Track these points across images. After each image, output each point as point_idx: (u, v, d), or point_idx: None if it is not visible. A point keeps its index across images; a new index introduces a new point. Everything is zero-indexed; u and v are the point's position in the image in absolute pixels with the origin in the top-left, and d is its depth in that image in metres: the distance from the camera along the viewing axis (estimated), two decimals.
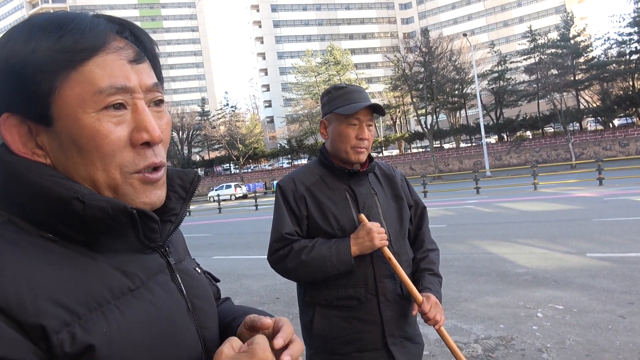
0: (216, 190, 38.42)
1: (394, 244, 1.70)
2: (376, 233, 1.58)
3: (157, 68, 0.72)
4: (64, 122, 0.62)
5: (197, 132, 52.06)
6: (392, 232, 1.71)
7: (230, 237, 13.26)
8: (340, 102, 1.68)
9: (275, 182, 29.39)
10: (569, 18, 37.61)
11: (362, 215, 1.64)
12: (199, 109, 56.75)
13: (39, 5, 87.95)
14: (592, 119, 38.79)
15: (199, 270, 0.84)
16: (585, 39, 37.58)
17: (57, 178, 0.61)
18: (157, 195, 0.68)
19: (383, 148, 47.33)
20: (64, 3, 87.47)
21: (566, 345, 3.75)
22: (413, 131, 47.99)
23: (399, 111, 49.45)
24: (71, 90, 0.61)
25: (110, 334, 0.59)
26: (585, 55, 36.66)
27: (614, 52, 35.89)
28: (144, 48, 0.69)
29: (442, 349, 3.83)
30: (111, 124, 0.62)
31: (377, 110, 1.70)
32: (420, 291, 1.66)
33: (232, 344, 0.64)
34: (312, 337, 1.71)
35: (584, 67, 35.83)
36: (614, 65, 34.68)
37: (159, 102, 0.70)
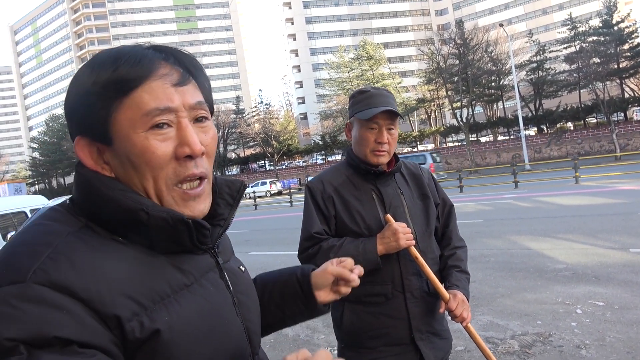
0: (252, 187, 38.94)
1: (420, 242, 1.73)
2: (402, 234, 1.62)
3: (204, 87, 0.81)
4: (120, 142, 0.72)
5: (233, 130, 52.89)
6: (418, 230, 1.75)
7: (266, 233, 13.49)
8: (361, 107, 1.72)
9: (308, 178, 29.46)
10: (611, 4, 36.08)
11: (389, 216, 1.68)
12: (234, 107, 57.62)
13: (81, 11, 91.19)
14: (638, 108, 37.14)
15: (243, 269, 0.94)
16: (630, 25, 35.97)
17: (126, 192, 0.72)
18: (199, 209, 0.77)
19: (418, 142, 46.80)
20: (103, 7, 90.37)
21: (606, 342, 3.68)
22: (448, 125, 47.20)
23: (434, 105, 48.77)
24: (124, 114, 0.71)
25: (171, 323, 0.69)
26: (630, 41, 35.11)
27: None
28: (189, 71, 0.78)
29: None
30: (157, 141, 0.72)
31: (393, 114, 1.72)
32: (447, 288, 1.69)
33: (297, 355, 0.67)
34: (342, 331, 1.78)
35: (628, 54, 34.34)
36: None
37: (203, 119, 0.79)
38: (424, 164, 25.73)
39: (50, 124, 65.32)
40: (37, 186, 71.47)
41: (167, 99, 0.73)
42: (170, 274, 0.74)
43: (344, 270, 1.06)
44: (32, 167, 69.18)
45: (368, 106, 1.71)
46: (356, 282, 1.07)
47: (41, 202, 9.84)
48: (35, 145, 69.08)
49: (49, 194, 52.80)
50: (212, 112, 0.84)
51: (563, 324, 4.13)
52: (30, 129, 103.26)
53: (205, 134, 0.78)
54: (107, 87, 0.71)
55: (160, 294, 0.70)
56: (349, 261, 1.09)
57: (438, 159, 27.26)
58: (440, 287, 1.67)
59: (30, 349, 0.57)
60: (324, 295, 1.07)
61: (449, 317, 1.72)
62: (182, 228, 0.73)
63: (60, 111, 69.70)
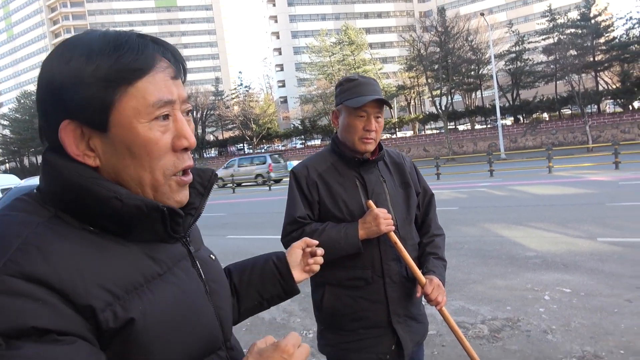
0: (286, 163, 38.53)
1: (401, 229, 1.79)
2: (382, 219, 1.67)
3: (184, 82, 0.84)
4: (119, 130, 0.72)
5: (211, 112, 52.19)
6: (398, 217, 1.80)
7: (244, 217, 13.48)
8: (350, 95, 1.75)
9: (289, 163, 29.43)
10: None
11: (370, 202, 1.74)
12: (213, 89, 56.79)
13: (58, 10, 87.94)
14: (611, 101, 38.05)
15: (213, 257, 0.97)
16: (607, 19, 36.59)
17: (97, 180, 0.72)
18: (185, 195, 0.81)
19: (397, 129, 47.07)
20: None
21: (571, 327, 3.84)
22: (427, 112, 47.54)
23: (414, 92, 48.93)
24: (128, 102, 0.72)
25: (145, 311, 0.70)
26: (606, 35, 35.73)
27: (636, 32, 34.93)
28: (181, 66, 0.81)
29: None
30: (159, 132, 0.74)
31: (383, 103, 1.77)
32: (424, 274, 1.76)
33: (266, 340, 0.79)
34: (322, 313, 1.83)
35: (604, 47, 34.97)
36: (635, 45, 33.77)
37: (189, 112, 0.82)
38: (263, 163, 28.14)
39: (22, 101, 63.24)
40: (7, 165, 69.55)
41: (168, 91, 0.75)
42: (143, 263, 0.75)
43: (306, 238, 1.24)
44: (3, 145, 67.10)
45: (357, 94, 1.74)
46: (320, 250, 1.22)
47: (13, 182, 9.60)
48: (5, 122, 66.91)
49: (21, 173, 51.45)
50: None
51: (531, 310, 4.29)
52: (0, 105, 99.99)
53: (190, 126, 0.81)
54: (110, 76, 0.71)
55: (133, 284, 0.71)
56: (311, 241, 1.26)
57: (281, 160, 29.81)
58: (418, 272, 1.73)
59: (8, 340, 0.57)
60: (297, 275, 1.18)
61: (425, 302, 1.78)
62: (157, 216, 0.74)
63: (33, 87, 67.55)
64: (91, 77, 0.71)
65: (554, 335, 3.72)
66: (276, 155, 30.81)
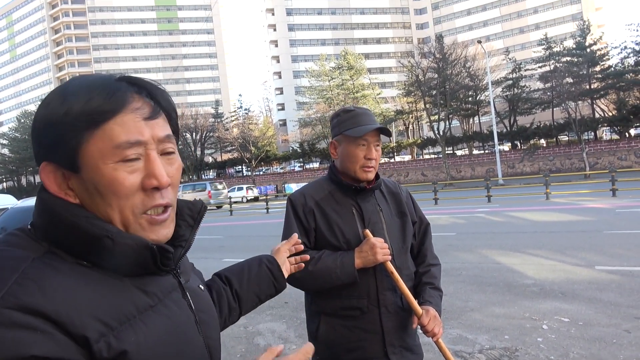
0: (228, 192, 38.69)
1: (397, 258, 1.78)
2: (379, 248, 1.67)
3: (172, 119, 0.85)
4: (88, 171, 0.74)
5: (210, 134, 52.53)
6: (395, 247, 1.80)
7: (241, 240, 13.41)
8: (349, 125, 1.77)
9: (287, 185, 29.61)
10: (585, 26, 37.34)
11: (367, 231, 1.73)
12: (213, 111, 57.24)
13: (59, 6, 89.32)
14: (608, 128, 38.42)
15: (202, 287, 0.98)
16: (602, 48, 37.25)
17: (90, 219, 0.74)
18: (163, 234, 0.80)
19: (395, 154, 47.30)
20: (82, 4, 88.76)
21: (570, 357, 3.79)
22: (425, 137, 47.90)
23: (412, 117, 49.40)
24: (94, 145, 0.73)
25: (138, 342, 0.71)
26: (602, 63, 36.35)
27: (631, 61, 35.56)
28: (159, 105, 0.81)
29: None
30: (126, 173, 0.74)
31: (384, 132, 1.79)
32: (420, 304, 1.74)
33: (268, 355, 0.82)
34: (317, 343, 1.81)
35: (599, 75, 35.53)
36: (630, 74, 34.34)
37: (171, 152, 0.82)
38: (203, 190, 30.96)
39: (22, 120, 63.59)
40: (5, 184, 69.49)
41: (137, 132, 0.75)
42: (136, 296, 0.76)
43: (290, 240, 1.44)
44: (1, 164, 67.17)
45: (357, 124, 1.76)
46: (300, 245, 1.43)
47: (10, 202, 9.57)
48: (5, 142, 67.12)
49: (18, 192, 51.37)
50: (177, 139, 0.87)
51: (529, 339, 4.24)
52: (1, 124, 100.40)
53: (171, 165, 0.81)
54: (78, 118, 0.72)
55: (126, 315, 0.72)
56: (294, 235, 1.46)
57: (220, 188, 33.21)
58: (414, 302, 1.72)
59: None
60: (284, 273, 1.35)
61: (421, 332, 1.77)
62: (147, 253, 0.76)
63: (33, 107, 67.90)
64: (61, 119, 0.73)
65: None
66: (216, 183, 34.65)
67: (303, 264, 1.44)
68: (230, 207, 25.76)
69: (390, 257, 1.72)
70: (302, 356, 0.83)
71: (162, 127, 0.80)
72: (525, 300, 5.35)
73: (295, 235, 1.44)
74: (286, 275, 1.36)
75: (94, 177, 0.74)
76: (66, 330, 0.65)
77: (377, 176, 1.86)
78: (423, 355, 1.91)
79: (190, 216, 0.91)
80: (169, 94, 0.85)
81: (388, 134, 1.81)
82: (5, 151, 66.44)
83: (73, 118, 0.72)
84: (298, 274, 1.73)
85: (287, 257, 1.42)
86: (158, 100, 0.81)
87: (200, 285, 0.97)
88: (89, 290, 0.70)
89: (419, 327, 1.74)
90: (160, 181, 0.76)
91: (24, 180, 66.77)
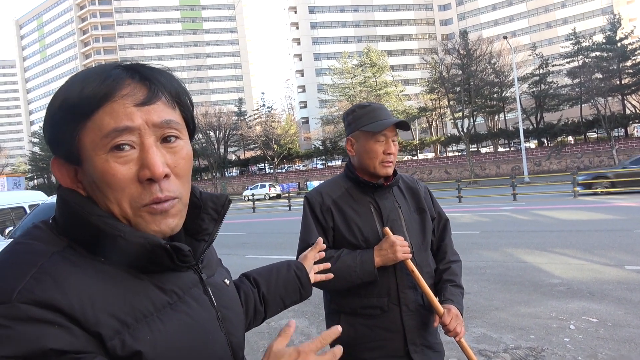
0: (251, 189, 38.98)
1: (417, 256, 1.76)
2: (399, 246, 1.65)
3: (183, 105, 0.80)
4: (85, 163, 0.73)
5: (234, 132, 52.94)
6: (414, 244, 1.77)
7: (264, 237, 13.50)
8: (367, 120, 1.75)
9: (309, 183, 29.57)
10: (616, 20, 36.30)
11: (387, 229, 1.71)
12: (236, 109, 57.69)
13: (87, 8, 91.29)
14: (639, 124, 37.27)
15: (228, 282, 0.95)
16: (634, 42, 36.13)
17: (103, 217, 0.73)
18: (167, 225, 0.76)
19: (418, 151, 46.88)
20: (109, 5, 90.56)
21: (598, 359, 3.70)
22: (449, 134, 47.30)
23: (435, 114, 48.89)
24: (87, 136, 0.72)
25: (154, 340, 0.70)
26: (633, 58, 35.25)
27: None
28: (159, 88, 0.76)
29: None
30: (118, 164, 0.71)
31: (402, 126, 1.76)
32: (441, 302, 1.72)
33: (281, 340, 0.80)
34: (337, 343, 1.80)
35: (630, 71, 34.46)
36: None
37: (172, 138, 0.77)
38: None
39: None
40: (35, 181, 71.45)
41: (127, 118, 0.71)
42: (153, 293, 0.75)
43: (316, 246, 1.43)
44: (32, 161, 69.19)
45: (375, 119, 1.74)
46: (322, 253, 1.45)
47: (40, 198, 9.85)
48: (35, 140, 69.11)
49: (48, 189, 52.79)
50: (192, 129, 0.82)
51: (556, 339, 4.15)
52: (32, 123, 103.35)
53: (174, 154, 0.76)
54: (71, 110, 0.71)
55: (143, 312, 0.71)
56: (319, 240, 1.45)
57: None
58: (435, 301, 1.69)
59: None
60: (313, 278, 1.36)
61: (443, 331, 1.74)
62: (161, 252, 0.74)
63: None
64: (58, 112, 0.73)
65: None
66: None
67: (332, 275, 1.44)
68: (253, 204, 25.97)
69: (410, 255, 1.69)
70: (320, 343, 0.81)
71: (160, 112, 0.75)
72: (552, 300, 5.24)
73: (321, 240, 1.43)
74: (315, 280, 1.37)
75: (89, 170, 0.73)
76: (82, 326, 0.64)
77: (394, 172, 1.84)
78: (444, 352, 1.89)
79: (214, 209, 0.89)
80: (174, 77, 0.80)
81: (407, 127, 1.77)
82: (37, 149, 68.38)
83: (67, 110, 0.72)
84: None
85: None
86: (156, 84, 0.76)
87: (226, 280, 0.95)
88: (105, 287, 0.70)
89: (440, 325, 1.72)
90: (154, 172, 0.72)
91: (53, 178, 68.61)
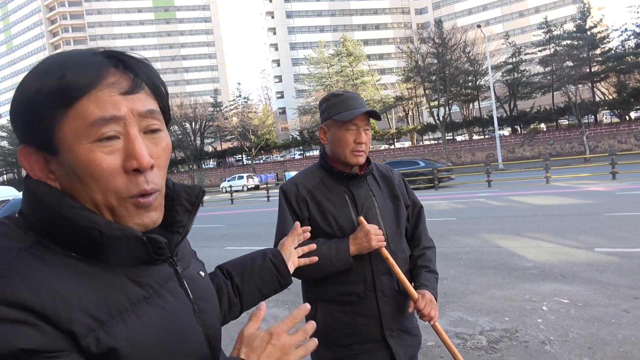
0: (228, 181, 38.74)
1: (391, 243, 1.79)
2: (373, 235, 1.68)
3: (161, 96, 0.79)
4: (65, 153, 0.70)
5: (210, 123, 52.34)
6: (389, 231, 1.80)
7: (242, 228, 13.46)
8: (339, 109, 1.76)
9: (287, 173, 29.49)
10: (585, 9, 36.96)
11: (361, 218, 1.74)
12: (212, 100, 57.00)
13: (56, 9, 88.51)
14: (608, 111, 38.29)
15: (203, 274, 0.95)
16: (602, 30, 36.94)
17: (76, 209, 0.70)
18: (150, 218, 0.75)
19: (395, 140, 47.21)
20: (80, 6, 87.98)
21: (569, 338, 3.84)
22: (425, 123, 47.77)
23: (412, 103, 49.19)
24: (68, 124, 0.68)
25: (130, 336, 0.69)
26: (602, 46, 36.06)
27: (631, 43, 35.25)
28: (141, 78, 0.75)
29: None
30: (103, 154, 0.69)
31: (373, 116, 1.78)
32: (416, 288, 1.76)
33: (252, 325, 0.81)
34: (315, 329, 1.83)
35: (600, 59, 35.27)
36: (631, 57, 34.06)
37: (155, 130, 0.76)
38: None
39: None
40: (5, 176, 69.47)
41: (113, 107, 0.70)
42: (128, 288, 0.73)
43: (293, 231, 1.39)
44: (1, 156, 67.14)
45: (346, 108, 1.75)
46: (307, 234, 1.42)
47: (10, 194, 9.62)
48: (4, 134, 66.99)
49: (18, 184, 51.38)
50: (168, 120, 0.82)
51: (529, 321, 4.28)
52: (0, 116, 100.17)
53: (156, 145, 0.76)
54: (51, 97, 0.68)
55: (118, 308, 0.70)
56: (296, 224, 1.41)
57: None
58: (410, 287, 1.73)
59: None
60: (290, 268, 1.30)
61: (418, 316, 1.79)
62: (137, 245, 0.72)
63: None
64: (33, 99, 0.69)
65: (552, 346, 3.72)
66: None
67: (316, 258, 1.42)
68: (231, 195, 25.81)
69: (384, 243, 1.72)
70: (290, 322, 0.81)
71: (143, 101, 0.73)
72: (526, 283, 5.40)
73: (298, 225, 1.40)
74: (292, 270, 1.31)
75: (70, 160, 0.69)
76: (53, 324, 0.62)
77: (368, 161, 1.86)
78: (421, 336, 1.93)
79: (187, 201, 0.87)
80: (153, 68, 0.79)
81: (377, 117, 1.78)
82: (5, 143, 66.33)
83: (45, 97, 0.68)
84: None
85: (295, 248, 1.38)
86: (139, 74, 0.74)
87: (201, 272, 0.94)
88: (77, 283, 0.67)
89: (415, 310, 1.76)
90: (141, 162, 0.71)
91: (24, 172, 66.72)
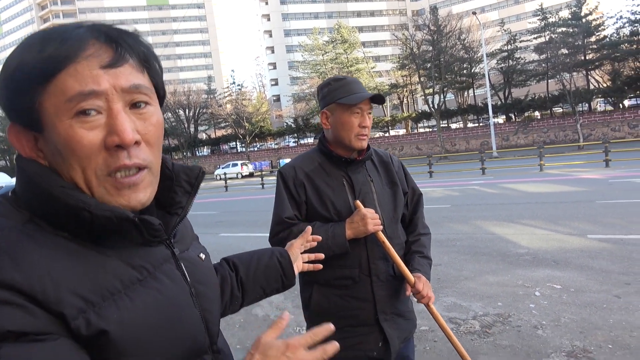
0: (223, 168, 38.63)
1: (388, 228, 1.80)
2: (370, 219, 1.68)
3: (151, 68, 0.76)
4: (48, 130, 0.68)
5: (204, 111, 52.04)
6: (385, 217, 1.81)
7: (237, 215, 13.46)
8: (343, 93, 1.75)
9: (281, 161, 29.43)
10: None
11: (358, 202, 1.74)
12: (205, 87, 56.61)
13: (48, 8, 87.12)
14: (602, 99, 38.37)
15: (203, 257, 0.92)
16: (598, 18, 36.90)
17: (66, 189, 0.68)
18: (135, 199, 0.72)
19: (390, 127, 47.17)
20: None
21: (561, 322, 3.88)
22: (420, 111, 47.69)
23: (406, 90, 49.10)
24: (49, 100, 0.66)
25: (121, 319, 0.67)
26: (597, 34, 36.05)
27: (626, 31, 35.24)
28: (126, 50, 0.71)
29: None
30: (84, 130, 0.66)
31: (377, 100, 1.78)
32: (410, 272, 1.77)
33: (271, 333, 0.77)
34: (310, 312, 1.84)
35: (595, 46, 35.27)
36: (625, 44, 34.10)
37: (142, 104, 0.72)
38: None
39: None
40: None
41: (93, 81, 0.67)
42: (121, 269, 0.71)
43: (304, 235, 1.37)
44: None
45: (351, 92, 1.75)
46: (313, 243, 1.39)
47: (4, 180, 9.52)
48: None
49: (11, 171, 51.04)
50: (162, 95, 0.79)
51: (522, 306, 4.32)
52: None
53: (144, 120, 0.72)
54: (30, 72, 0.66)
55: (110, 290, 0.68)
56: (307, 229, 1.39)
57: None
58: (406, 270, 1.74)
59: None
60: (299, 267, 1.31)
61: (414, 299, 1.80)
62: (129, 226, 0.70)
63: None
64: (14, 75, 0.67)
65: (544, 331, 3.76)
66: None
67: (321, 265, 1.40)
68: (225, 183, 25.77)
69: (381, 227, 1.73)
70: (310, 339, 0.78)
71: (127, 75, 0.70)
72: (519, 269, 5.44)
73: (309, 230, 1.38)
74: (297, 272, 1.28)
75: (53, 137, 0.67)
76: (42, 306, 0.61)
77: (367, 147, 1.86)
78: (415, 320, 1.95)
79: (187, 182, 0.85)
80: (143, 40, 0.75)
81: (382, 101, 1.78)
82: None
83: (25, 72, 0.66)
84: None
85: (301, 253, 1.36)
86: (122, 45, 0.71)
87: (201, 255, 0.92)
88: (68, 264, 0.66)
89: (412, 294, 1.77)
90: (123, 138, 0.67)
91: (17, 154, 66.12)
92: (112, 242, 0.71)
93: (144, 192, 0.73)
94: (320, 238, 1.43)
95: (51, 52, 0.66)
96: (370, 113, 1.79)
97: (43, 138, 0.69)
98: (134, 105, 0.71)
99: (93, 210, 0.67)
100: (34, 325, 0.59)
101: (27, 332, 0.58)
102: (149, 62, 0.75)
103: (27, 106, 0.67)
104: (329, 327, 0.81)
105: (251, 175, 37.16)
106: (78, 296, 0.64)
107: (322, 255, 1.41)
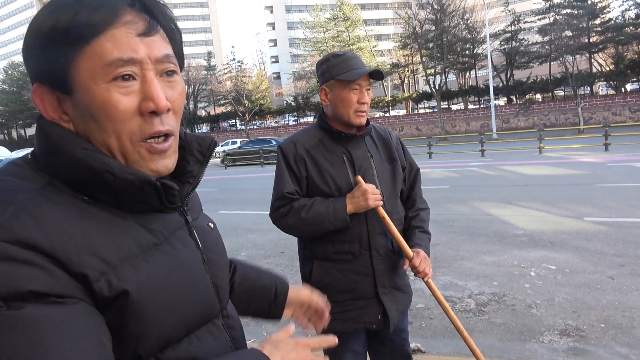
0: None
1: (387, 203, 1.82)
2: (371, 194, 1.70)
3: (175, 40, 0.77)
4: (80, 93, 0.68)
5: (203, 87, 51.63)
6: (385, 192, 1.83)
7: (236, 193, 13.50)
8: (342, 69, 1.75)
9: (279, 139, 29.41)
10: None
11: (359, 177, 1.76)
12: (205, 63, 56.06)
13: None
14: (604, 83, 38.12)
15: (212, 226, 0.95)
16: (603, 0, 36.40)
17: (90, 151, 0.69)
18: (164, 165, 0.75)
19: (390, 108, 46.92)
20: None
21: (555, 302, 3.95)
22: (421, 91, 47.37)
23: (408, 70, 48.63)
24: (84, 63, 0.67)
25: (140, 282, 0.69)
26: (602, 16, 35.60)
27: (632, 14, 34.82)
28: (157, 20, 0.73)
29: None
30: (120, 95, 0.68)
31: (376, 76, 1.78)
32: (410, 246, 1.80)
33: (281, 333, 0.84)
34: (310, 285, 1.88)
35: (599, 29, 34.86)
36: (630, 27, 33.70)
37: (171, 73, 0.74)
38: None
39: (10, 72, 61.91)
40: None
41: (131, 49, 0.68)
42: (138, 233, 0.73)
43: (315, 298, 1.21)
44: None
45: (349, 68, 1.75)
46: (325, 316, 1.23)
47: (3, 154, 9.51)
48: None
49: (9, 145, 50.89)
50: (182, 66, 0.80)
51: (517, 285, 4.39)
52: None
53: (172, 89, 0.74)
54: (66, 33, 0.66)
55: (127, 253, 0.69)
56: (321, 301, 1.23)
57: None
58: (405, 245, 1.77)
59: (8, 302, 0.56)
60: (287, 314, 1.19)
61: (411, 274, 1.84)
62: (150, 190, 0.71)
63: (20, 58, 65.98)
64: (48, 35, 0.67)
65: (538, 310, 3.83)
66: None
67: (319, 325, 1.24)
68: (225, 160, 25.74)
69: (381, 202, 1.75)
70: (317, 343, 0.83)
71: (159, 45, 0.72)
72: (515, 250, 5.50)
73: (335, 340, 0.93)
74: (287, 315, 1.19)
75: (86, 100, 0.68)
76: (64, 267, 0.61)
77: (367, 122, 1.87)
78: (412, 293, 1.99)
79: (199, 151, 0.86)
80: (170, 11, 0.77)
81: (381, 76, 1.78)
82: None
83: (60, 33, 0.66)
84: (291, 221, 1.77)
85: (308, 320, 1.24)
86: (155, 15, 0.72)
87: (210, 224, 0.94)
88: (88, 226, 0.67)
89: (409, 268, 1.81)
90: (158, 104, 0.70)
91: (14, 133, 65.94)
92: (131, 206, 0.73)
93: (170, 159, 0.76)
94: (335, 341, 0.93)
95: (88, 15, 0.66)
96: (369, 89, 1.79)
97: (71, 101, 0.70)
98: (165, 74, 0.74)
99: (116, 172, 0.68)
100: (55, 287, 0.59)
101: (48, 294, 0.58)
102: (172, 33, 0.77)
103: (59, 68, 0.67)
104: (333, 340, 0.88)
105: None
106: (99, 258, 0.65)
107: (335, 341, 0.94)
